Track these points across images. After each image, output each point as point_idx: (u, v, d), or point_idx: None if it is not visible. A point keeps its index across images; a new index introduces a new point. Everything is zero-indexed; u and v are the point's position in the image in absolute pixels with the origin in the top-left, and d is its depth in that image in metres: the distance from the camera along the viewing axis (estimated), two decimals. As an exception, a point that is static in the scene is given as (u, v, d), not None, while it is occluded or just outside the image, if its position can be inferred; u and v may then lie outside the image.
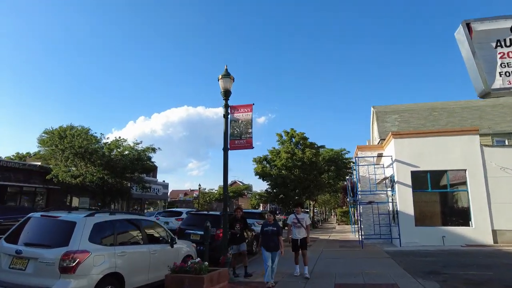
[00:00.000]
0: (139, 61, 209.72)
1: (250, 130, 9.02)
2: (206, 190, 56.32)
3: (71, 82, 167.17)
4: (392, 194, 16.08)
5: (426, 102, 30.96)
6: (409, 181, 14.53)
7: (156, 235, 7.59)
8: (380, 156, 16.43)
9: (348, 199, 27.58)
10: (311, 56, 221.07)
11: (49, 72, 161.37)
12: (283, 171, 18.39)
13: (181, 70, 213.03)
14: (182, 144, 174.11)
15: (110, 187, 28.39)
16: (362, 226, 17.61)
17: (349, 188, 24.94)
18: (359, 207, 18.24)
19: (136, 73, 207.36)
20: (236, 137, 9.06)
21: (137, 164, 28.29)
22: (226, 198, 8.67)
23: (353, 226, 23.47)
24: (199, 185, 47.78)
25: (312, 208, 35.82)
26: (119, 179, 28.26)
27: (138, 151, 29.06)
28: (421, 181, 14.71)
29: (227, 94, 9.04)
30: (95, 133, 28.85)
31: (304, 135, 19.14)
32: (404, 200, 14.42)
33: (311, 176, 18.80)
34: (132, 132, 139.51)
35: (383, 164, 17.51)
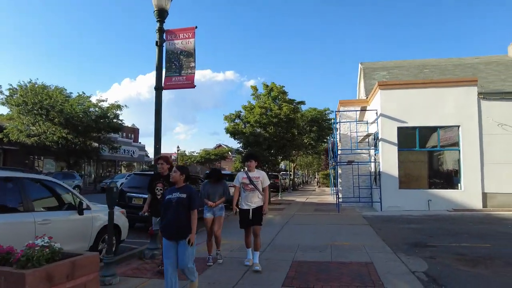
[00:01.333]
0: (120, 19, 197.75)
1: (192, 64, 6.81)
2: (187, 153, 54.39)
3: (52, 41, 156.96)
4: (375, 154, 14.42)
5: (417, 59, 28.78)
6: (394, 139, 12.78)
7: (53, 199, 5.62)
8: (364, 110, 14.54)
9: (329, 161, 26.19)
10: (302, 16, 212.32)
11: (32, 29, 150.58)
12: (257, 129, 16.41)
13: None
14: (169, 108, 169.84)
15: (75, 148, 26.11)
16: (340, 188, 16.12)
17: (330, 148, 23.37)
18: (338, 168, 16.66)
19: (118, 33, 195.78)
20: (173, 73, 6.87)
21: (102, 123, 25.88)
22: (159, 151, 6.65)
23: (332, 188, 22.14)
24: (178, 147, 45.64)
25: (293, 170, 34.47)
26: (83, 138, 25.93)
27: (102, 109, 26.55)
28: (409, 138, 12.99)
29: (161, 14, 6.73)
30: (70, 93, 26.07)
31: (284, 88, 16.98)
32: (388, 160, 12.76)
33: (288, 134, 16.89)
34: (118, 95, 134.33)
35: (367, 121, 15.70)
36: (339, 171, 16.84)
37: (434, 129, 12.81)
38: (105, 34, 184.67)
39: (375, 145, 14.17)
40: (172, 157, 66.82)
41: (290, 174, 33.86)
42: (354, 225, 9.70)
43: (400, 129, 12.84)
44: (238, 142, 16.13)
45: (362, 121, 15.75)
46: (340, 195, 15.66)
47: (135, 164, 46.61)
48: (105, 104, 26.76)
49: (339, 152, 16.63)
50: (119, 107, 26.64)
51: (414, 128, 12.84)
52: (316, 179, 62.00)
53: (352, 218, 11.25)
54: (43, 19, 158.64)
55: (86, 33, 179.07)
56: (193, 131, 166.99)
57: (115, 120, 27.91)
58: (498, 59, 23.47)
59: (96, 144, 28.94)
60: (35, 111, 23.77)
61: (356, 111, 15.19)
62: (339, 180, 16.70)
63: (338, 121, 16.20)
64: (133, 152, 43.70)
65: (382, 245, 6.84)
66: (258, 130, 16.37)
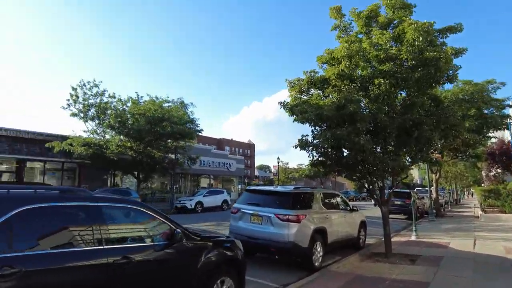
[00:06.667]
0: (244, 41, 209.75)
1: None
2: (290, 166, 46.89)
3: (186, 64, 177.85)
4: None
5: None
6: None
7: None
8: None
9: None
10: None
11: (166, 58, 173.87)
12: (342, 88, 7.51)
13: (290, 52, 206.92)
14: (293, 126, 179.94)
15: (137, 160, 21.52)
16: None
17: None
18: None
19: (244, 55, 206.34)
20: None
21: (165, 127, 20.60)
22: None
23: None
24: (278, 158, 38.54)
25: (435, 184, 22.29)
26: (140, 147, 21.21)
27: (165, 109, 21.46)
28: None
29: None
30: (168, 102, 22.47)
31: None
32: None
33: (425, 99, 7.41)
34: (248, 117, 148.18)
35: None
36: None
37: None
38: (236, 60, 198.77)
39: None
40: (273, 170, 60.73)
41: (431, 191, 21.71)
42: None
43: None
44: (299, 121, 7.39)
45: None
46: None
47: (234, 179, 41.34)
48: (168, 104, 21.83)
49: None
50: (182, 104, 21.42)
51: None
52: (468, 196, 45.62)
53: None
54: (172, 39, 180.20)
55: (213, 55, 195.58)
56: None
57: (190, 126, 22.67)
58: None
59: (172, 156, 24.27)
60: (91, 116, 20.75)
61: None
62: None
63: None
64: (230, 165, 38.58)
65: None
66: (343, 89, 7.40)
